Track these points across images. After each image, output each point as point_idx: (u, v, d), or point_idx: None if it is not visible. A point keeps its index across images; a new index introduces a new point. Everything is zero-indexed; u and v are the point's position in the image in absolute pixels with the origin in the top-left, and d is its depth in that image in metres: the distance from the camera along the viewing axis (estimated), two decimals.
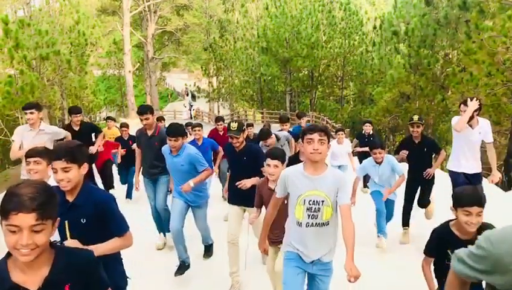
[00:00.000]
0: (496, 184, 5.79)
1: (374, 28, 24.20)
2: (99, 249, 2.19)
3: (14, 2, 29.02)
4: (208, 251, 4.98)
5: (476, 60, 12.69)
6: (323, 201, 2.57)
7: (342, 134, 7.55)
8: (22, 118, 16.36)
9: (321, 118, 21.74)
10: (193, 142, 6.29)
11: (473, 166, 4.95)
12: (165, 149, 4.47)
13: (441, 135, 18.58)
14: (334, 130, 8.20)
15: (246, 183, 3.99)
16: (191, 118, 31.74)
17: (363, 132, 8.17)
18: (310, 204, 2.59)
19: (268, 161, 3.38)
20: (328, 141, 2.55)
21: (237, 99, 34.09)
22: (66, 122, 21.25)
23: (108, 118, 9.85)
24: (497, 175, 4.90)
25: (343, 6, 25.42)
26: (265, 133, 5.86)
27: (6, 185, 5.83)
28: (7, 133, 15.92)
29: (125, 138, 8.00)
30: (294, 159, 4.63)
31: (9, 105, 14.62)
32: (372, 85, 24.05)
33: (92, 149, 6.50)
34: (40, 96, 15.92)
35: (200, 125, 6.69)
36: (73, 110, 6.76)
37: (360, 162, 8.45)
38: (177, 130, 4.17)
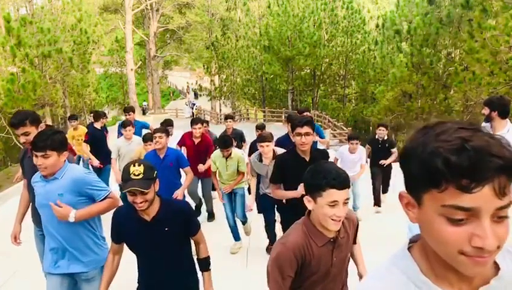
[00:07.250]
0: None
1: (377, 26, 24.14)
2: None
3: (16, 0, 29.08)
4: None
5: (478, 59, 12.64)
6: None
7: (356, 143, 6.21)
8: None
9: (323, 117, 21.71)
10: (152, 155, 4.81)
11: None
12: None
13: None
14: (346, 138, 7.04)
15: None
16: (193, 116, 31.80)
17: (376, 136, 7.05)
18: None
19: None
20: None
21: (239, 98, 34.06)
22: (68, 122, 21.30)
23: (71, 117, 8.08)
24: None
25: (346, 4, 25.36)
26: (265, 137, 4.18)
27: (9, 182, 5.79)
28: (9, 131, 15.94)
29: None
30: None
31: (11, 103, 14.63)
32: (375, 84, 23.98)
33: None
34: (42, 94, 15.95)
35: (164, 130, 4.76)
36: None
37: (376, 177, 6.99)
38: (44, 140, 2.41)
